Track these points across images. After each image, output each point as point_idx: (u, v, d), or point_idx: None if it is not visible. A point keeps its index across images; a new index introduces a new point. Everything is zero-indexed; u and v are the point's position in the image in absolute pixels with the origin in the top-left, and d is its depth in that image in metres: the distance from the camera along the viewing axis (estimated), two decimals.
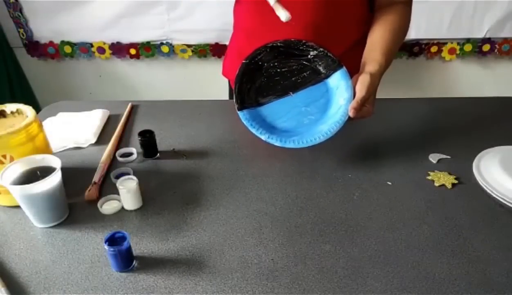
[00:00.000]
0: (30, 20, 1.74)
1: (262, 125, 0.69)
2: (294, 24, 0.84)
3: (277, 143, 0.67)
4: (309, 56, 0.72)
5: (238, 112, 0.68)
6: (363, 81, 0.68)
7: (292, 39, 0.71)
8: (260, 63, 0.70)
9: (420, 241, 0.55)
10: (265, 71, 0.71)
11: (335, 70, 0.71)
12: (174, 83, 1.93)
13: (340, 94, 0.70)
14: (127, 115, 0.89)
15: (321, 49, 0.71)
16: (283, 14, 0.66)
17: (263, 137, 0.67)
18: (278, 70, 0.71)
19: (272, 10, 0.83)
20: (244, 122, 0.68)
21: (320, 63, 0.72)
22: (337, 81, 0.71)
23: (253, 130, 0.67)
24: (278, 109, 0.71)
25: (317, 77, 0.72)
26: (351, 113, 0.67)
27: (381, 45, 0.77)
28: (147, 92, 1.95)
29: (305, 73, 0.72)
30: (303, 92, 0.72)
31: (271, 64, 0.71)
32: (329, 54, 0.71)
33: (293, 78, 0.72)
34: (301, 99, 0.71)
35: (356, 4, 0.85)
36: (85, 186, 0.65)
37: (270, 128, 0.69)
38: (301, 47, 0.71)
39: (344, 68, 0.71)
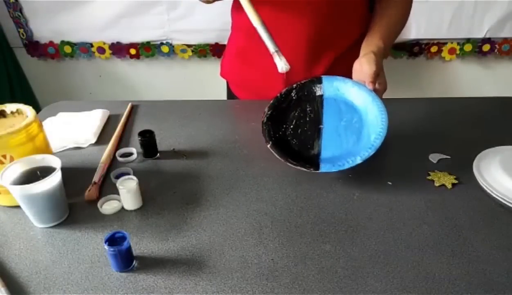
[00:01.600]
0: (30, 20, 1.74)
1: (342, 158, 0.66)
2: (295, 24, 0.84)
3: (368, 153, 0.64)
4: (294, 97, 0.75)
5: (320, 171, 0.64)
6: (368, 59, 0.73)
7: (271, 101, 0.74)
8: (276, 135, 0.71)
9: (420, 241, 0.55)
10: (286, 136, 0.71)
11: (320, 84, 0.75)
12: (174, 83, 1.93)
13: (346, 89, 0.73)
14: (127, 115, 0.89)
15: (294, 85, 0.75)
16: (280, 65, 0.66)
17: (358, 161, 0.64)
18: (292, 126, 0.73)
19: (273, 10, 0.83)
20: (333, 170, 0.64)
21: (306, 93, 0.75)
22: (331, 87, 0.74)
23: (343, 167, 0.64)
24: (331, 142, 0.70)
25: (317, 101, 0.75)
26: (370, 86, 0.71)
27: (379, 32, 0.81)
28: (147, 92, 1.95)
29: (308, 109, 0.74)
30: (326, 117, 0.73)
31: (283, 129, 0.72)
32: (303, 82, 0.75)
33: (307, 119, 0.73)
34: (332, 121, 0.73)
35: (358, 3, 0.86)
36: (85, 186, 0.65)
37: (348, 154, 0.67)
38: (282, 100, 0.75)
39: (322, 76, 0.75)
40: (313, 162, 0.66)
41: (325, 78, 0.75)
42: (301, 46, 0.86)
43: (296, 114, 0.73)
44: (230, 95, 1.07)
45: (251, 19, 0.69)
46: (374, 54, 0.73)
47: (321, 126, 0.72)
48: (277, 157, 0.66)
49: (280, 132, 0.72)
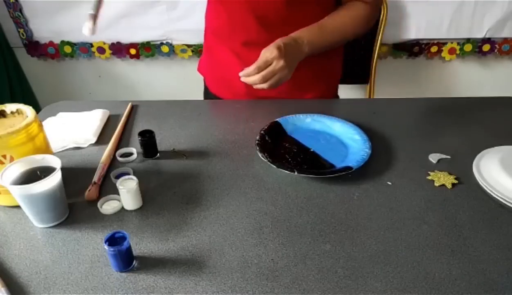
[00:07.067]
0: (30, 20, 1.74)
1: (354, 156, 0.71)
2: (260, 18, 0.85)
3: (368, 144, 0.73)
4: (269, 141, 0.77)
5: (355, 168, 0.67)
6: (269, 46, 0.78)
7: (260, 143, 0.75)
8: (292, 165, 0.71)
9: (420, 241, 0.55)
10: (295, 165, 0.71)
11: (279, 125, 0.81)
12: (174, 83, 1.92)
13: (302, 122, 0.82)
14: (127, 115, 0.89)
15: (261, 131, 0.78)
16: (86, 27, 0.66)
17: (368, 150, 0.72)
18: (290, 160, 0.73)
19: (239, 9, 0.85)
20: (361, 164, 0.68)
21: (275, 134, 0.78)
22: (288, 124, 0.81)
23: (366, 158, 0.70)
24: (331, 155, 0.73)
25: (287, 137, 0.79)
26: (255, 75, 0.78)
27: (311, 30, 0.86)
28: (147, 92, 1.95)
29: (286, 145, 0.77)
30: (306, 144, 0.77)
31: (286, 163, 0.72)
32: (265, 127, 0.79)
33: (295, 151, 0.75)
34: (314, 143, 0.76)
35: None
36: (85, 186, 0.65)
37: (353, 154, 0.72)
38: (263, 143, 0.76)
39: (276, 119, 0.81)
40: (339, 170, 0.68)
41: (281, 120, 0.81)
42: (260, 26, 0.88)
43: (282, 151, 0.75)
44: (207, 93, 1.12)
45: None
46: (283, 43, 0.78)
47: (311, 149, 0.75)
48: (312, 176, 0.67)
49: (289, 164, 0.71)
